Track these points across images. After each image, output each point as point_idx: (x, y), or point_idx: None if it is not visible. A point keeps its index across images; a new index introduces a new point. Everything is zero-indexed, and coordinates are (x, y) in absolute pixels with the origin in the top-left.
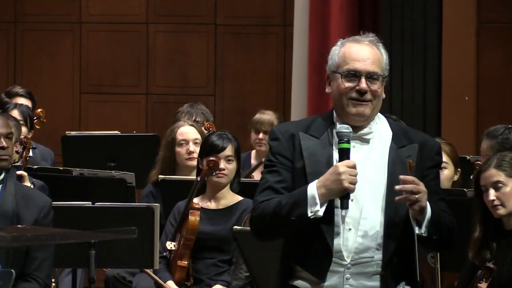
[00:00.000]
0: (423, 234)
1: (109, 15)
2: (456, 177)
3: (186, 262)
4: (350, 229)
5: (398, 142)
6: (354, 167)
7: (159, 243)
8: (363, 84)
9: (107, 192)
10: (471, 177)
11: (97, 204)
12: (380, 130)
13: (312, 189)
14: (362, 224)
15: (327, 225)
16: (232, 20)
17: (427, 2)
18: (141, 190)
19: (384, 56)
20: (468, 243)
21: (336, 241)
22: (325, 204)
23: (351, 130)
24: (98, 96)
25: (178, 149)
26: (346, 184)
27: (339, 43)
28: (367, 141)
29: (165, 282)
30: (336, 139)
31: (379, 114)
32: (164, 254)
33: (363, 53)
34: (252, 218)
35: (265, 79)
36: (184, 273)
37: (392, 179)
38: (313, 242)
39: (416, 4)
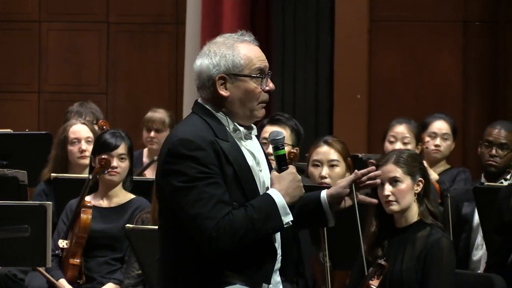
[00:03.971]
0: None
1: (1, 13)
2: (347, 175)
3: (78, 260)
4: None
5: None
6: None
7: (52, 241)
8: (272, 84)
9: None
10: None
11: None
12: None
13: (279, 198)
14: None
15: None
16: (124, 19)
17: (319, 0)
18: (34, 189)
19: None
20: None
21: None
22: None
23: (284, 135)
24: None
25: (70, 147)
26: (303, 190)
27: (228, 45)
28: (251, 138)
29: (57, 280)
30: (242, 139)
31: None
32: (57, 252)
33: (260, 52)
34: (218, 235)
35: (158, 78)
36: (76, 271)
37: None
38: (256, 247)
39: (308, 2)
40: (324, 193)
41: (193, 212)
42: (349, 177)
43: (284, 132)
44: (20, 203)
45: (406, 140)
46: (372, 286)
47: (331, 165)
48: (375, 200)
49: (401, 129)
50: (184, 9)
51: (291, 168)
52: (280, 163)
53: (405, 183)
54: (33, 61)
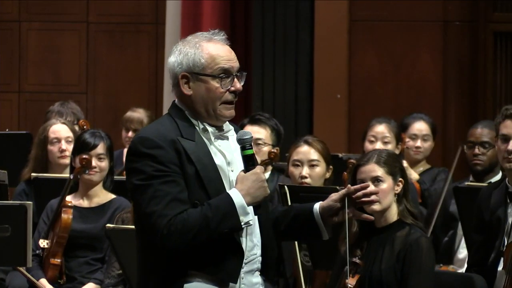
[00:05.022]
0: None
1: None
2: (328, 175)
3: (59, 260)
4: None
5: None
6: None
7: (32, 241)
8: (239, 84)
9: None
10: (343, 174)
11: None
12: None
13: (239, 198)
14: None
15: None
16: (104, 18)
17: (299, 0)
18: (14, 188)
19: None
20: (341, 241)
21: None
22: None
23: (251, 135)
24: None
25: (50, 147)
26: (268, 190)
27: (193, 44)
28: (227, 138)
29: (38, 280)
30: (212, 139)
31: None
32: (37, 252)
33: (228, 51)
34: (169, 233)
35: (138, 77)
36: (57, 271)
37: None
38: (223, 246)
39: (288, 2)
40: (317, 205)
41: (148, 210)
42: (341, 191)
43: (264, 132)
44: (0, 203)
45: (386, 140)
46: (349, 285)
47: (312, 165)
48: (371, 217)
49: (381, 128)
50: (164, 9)
51: (257, 169)
52: (247, 163)
53: (387, 182)
54: (13, 61)
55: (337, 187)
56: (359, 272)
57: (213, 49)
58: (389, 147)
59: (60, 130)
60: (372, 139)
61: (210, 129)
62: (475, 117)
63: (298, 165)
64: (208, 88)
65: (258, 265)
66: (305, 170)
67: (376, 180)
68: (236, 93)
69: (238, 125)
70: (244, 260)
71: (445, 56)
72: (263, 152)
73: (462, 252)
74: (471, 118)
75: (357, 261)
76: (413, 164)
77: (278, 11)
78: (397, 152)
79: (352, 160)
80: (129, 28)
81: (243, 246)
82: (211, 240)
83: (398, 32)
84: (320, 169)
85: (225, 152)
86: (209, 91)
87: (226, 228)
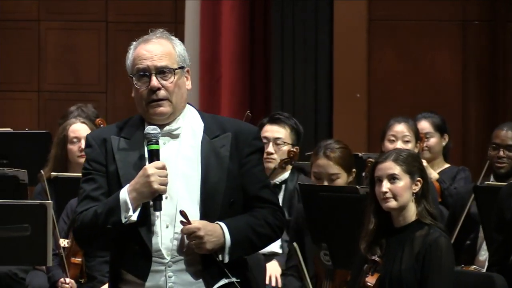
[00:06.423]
0: (225, 261)
1: (0, 12)
2: (351, 178)
3: (79, 259)
4: (167, 227)
5: (210, 133)
6: (163, 167)
7: (52, 240)
8: (154, 81)
9: None
10: (363, 174)
11: None
12: (191, 123)
13: (124, 194)
14: (178, 220)
15: (143, 225)
16: (123, 17)
17: (318, 0)
18: (34, 188)
19: (177, 48)
20: (361, 239)
21: (154, 240)
22: (139, 208)
23: (159, 130)
24: None
25: (70, 146)
26: (155, 186)
27: (132, 46)
28: (176, 136)
29: (58, 279)
30: (148, 140)
31: (190, 107)
32: (57, 251)
33: (150, 50)
34: (74, 229)
35: None
36: (78, 270)
37: (206, 172)
38: (132, 244)
39: (307, 2)
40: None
41: None
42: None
43: (284, 131)
44: (20, 202)
45: (406, 139)
46: (368, 283)
47: (331, 178)
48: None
49: (400, 128)
50: (183, 8)
51: (149, 164)
52: (151, 157)
53: (404, 181)
54: (32, 60)
55: (357, 187)
56: (379, 271)
57: (138, 49)
58: (409, 146)
59: (80, 129)
60: (392, 138)
61: (145, 128)
62: (495, 116)
63: (319, 178)
64: (135, 88)
65: (197, 264)
66: (326, 184)
67: (392, 178)
68: (152, 90)
69: (258, 125)
70: (168, 259)
71: (464, 55)
72: (282, 151)
73: (484, 255)
74: (491, 118)
75: (376, 259)
76: (428, 162)
77: (297, 11)
78: (416, 150)
79: (371, 159)
80: (148, 27)
81: (166, 244)
82: (106, 237)
83: (417, 32)
84: (341, 180)
85: (161, 151)
86: (135, 92)
87: (109, 223)
